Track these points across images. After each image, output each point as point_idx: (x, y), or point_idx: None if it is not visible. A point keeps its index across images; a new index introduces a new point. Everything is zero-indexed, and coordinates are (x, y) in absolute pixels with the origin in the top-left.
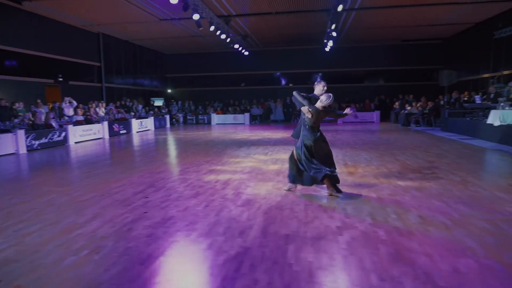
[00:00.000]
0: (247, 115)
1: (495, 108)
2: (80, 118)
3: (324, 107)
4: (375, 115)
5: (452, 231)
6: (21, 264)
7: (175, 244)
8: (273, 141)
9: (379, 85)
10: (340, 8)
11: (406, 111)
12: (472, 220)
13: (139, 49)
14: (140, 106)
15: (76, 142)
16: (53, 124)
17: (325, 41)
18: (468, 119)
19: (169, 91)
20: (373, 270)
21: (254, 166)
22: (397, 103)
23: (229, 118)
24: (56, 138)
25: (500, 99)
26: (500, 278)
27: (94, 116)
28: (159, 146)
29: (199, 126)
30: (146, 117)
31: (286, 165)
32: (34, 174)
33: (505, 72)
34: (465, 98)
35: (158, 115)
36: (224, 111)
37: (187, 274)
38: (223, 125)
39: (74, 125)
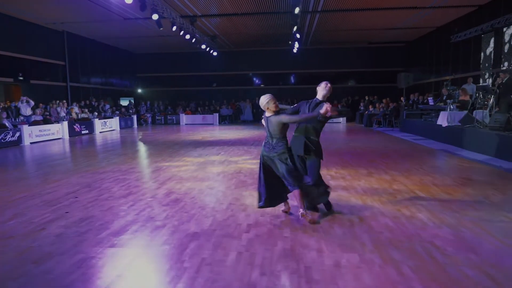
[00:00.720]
0: (216, 115)
1: (444, 109)
2: (39, 118)
3: (276, 112)
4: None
5: (355, 227)
6: None
7: (80, 243)
8: (231, 142)
9: (347, 86)
10: (297, 10)
11: (369, 112)
12: (379, 217)
13: (107, 48)
14: (107, 106)
15: (32, 143)
16: (7, 124)
17: (291, 42)
18: (423, 120)
19: (139, 91)
20: (260, 265)
21: (200, 167)
22: (362, 104)
23: (198, 118)
24: (9, 138)
25: (449, 101)
26: (374, 272)
27: (54, 116)
28: (114, 147)
29: (167, 126)
30: (111, 117)
31: (231, 166)
32: None
33: (460, 76)
34: (422, 100)
35: (124, 115)
36: (193, 112)
37: (74, 272)
38: (192, 126)
39: (30, 125)
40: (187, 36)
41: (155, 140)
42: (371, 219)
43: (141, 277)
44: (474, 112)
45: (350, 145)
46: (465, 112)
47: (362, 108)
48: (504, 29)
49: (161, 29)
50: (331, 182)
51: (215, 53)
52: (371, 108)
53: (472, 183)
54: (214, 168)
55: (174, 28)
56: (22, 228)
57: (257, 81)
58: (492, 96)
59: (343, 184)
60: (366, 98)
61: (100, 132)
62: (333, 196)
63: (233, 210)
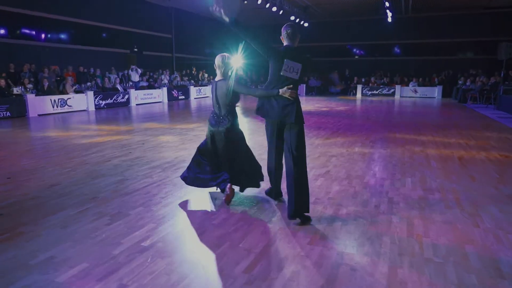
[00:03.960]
0: (303, 86)
1: None
2: (145, 83)
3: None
4: (437, 90)
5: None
6: None
7: (126, 170)
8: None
9: (449, 58)
10: None
11: (465, 87)
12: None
13: (209, 22)
14: (206, 75)
15: (137, 104)
16: (119, 87)
17: (387, 11)
18: None
19: (238, 61)
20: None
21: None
22: (462, 78)
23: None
24: (120, 99)
25: None
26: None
27: (158, 82)
28: (202, 110)
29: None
30: (206, 85)
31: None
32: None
33: None
34: None
35: None
36: None
37: (113, 185)
38: None
39: (136, 89)
40: (274, 9)
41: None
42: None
43: (150, 201)
44: None
45: (415, 120)
46: None
47: (460, 82)
48: None
49: (245, 2)
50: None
51: (306, 24)
52: (468, 82)
53: None
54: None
55: (260, 1)
56: (96, 158)
57: (356, 51)
58: None
59: (370, 151)
60: (470, 72)
61: (194, 98)
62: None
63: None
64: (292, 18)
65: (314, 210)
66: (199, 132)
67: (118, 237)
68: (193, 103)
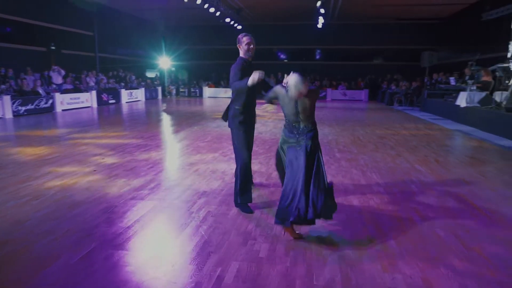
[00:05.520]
0: None
1: (465, 90)
2: (69, 86)
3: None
4: (364, 93)
5: (347, 195)
6: None
7: (105, 195)
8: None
9: (372, 64)
10: None
11: (391, 91)
12: (374, 187)
13: (134, 20)
14: (133, 77)
15: (63, 110)
16: (40, 91)
17: (318, 17)
18: (443, 100)
19: (165, 63)
20: (257, 219)
21: (217, 136)
22: (385, 82)
23: (221, 91)
24: (43, 104)
25: (469, 81)
26: (358, 229)
27: (84, 85)
28: (139, 116)
29: (191, 98)
30: (137, 88)
31: None
32: None
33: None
34: (445, 80)
35: (150, 86)
36: (216, 85)
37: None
38: (214, 98)
39: (61, 93)
40: (212, 10)
41: (178, 111)
42: (365, 187)
43: (157, 222)
44: (494, 93)
45: (365, 122)
46: (485, 93)
47: (385, 86)
48: None
49: (185, 0)
50: (336, 155)
51: (239, 27)
52: (393, 87)
53: (474, 161)
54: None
55: (199, 1)
56: (54, 180)
57: (281, 56)
58: None
59: (348, 157)
60: (388, 76)
61: (126, 102)
62: (335, 167)
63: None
64: (228, 20)
65: None
66: (156, 141)
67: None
68: (125, 107)
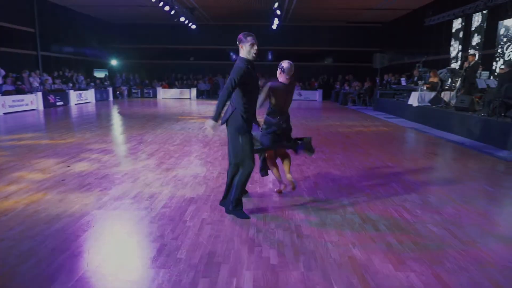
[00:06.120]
0: (193, 89)
1: (415, 90)
2: (10, 87)
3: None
4: (318, 93)
5: (336, 193)
6: None
7: (84, 207)
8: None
9: (323, 64)
10: None
11: (344, 91)
12: (356, 184)
13: (81, 16)
14: (81, 77)
15: (5, 113)
16: None
17: (274, 19)
18: (395, 100)
19: (115, 62)
20: (255, 224)
21: (186, 139)
22: (338, 83)
23: (176, 92)
24: None
25: (420, 82)
26: (355, 228)
27: (27, 86)
28: (94, 119)
29: (144, 100)
30: (87, 89)
31: (215, 139)
32: None
33: (432, 58)
34: (396, 81)
35: (100, 87)
36: (170, 85)
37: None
38: (169, 99)
39: (2, 95)
40: (166, 8)
41: (134, 113)
42: (351, 187)
43: (151, 233)
44: (443, 93)
45: (327, 122)
46: (435, 93)
47: (338, 86)
48: (473, 16)
49: None
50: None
51: (193, 26)
52: (346, 87)
53: (438, 158)
54: (199, 140)
55: None
56: (22, 193)
57: (234, 56)
58: (459, 78)
59: (323, 157)
60: (340, 77)
61: (75, 104)
62: (314, 167)
63: (223, 178)
64: (182, 19)
65: None
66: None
67: None
68: (75, 109)
